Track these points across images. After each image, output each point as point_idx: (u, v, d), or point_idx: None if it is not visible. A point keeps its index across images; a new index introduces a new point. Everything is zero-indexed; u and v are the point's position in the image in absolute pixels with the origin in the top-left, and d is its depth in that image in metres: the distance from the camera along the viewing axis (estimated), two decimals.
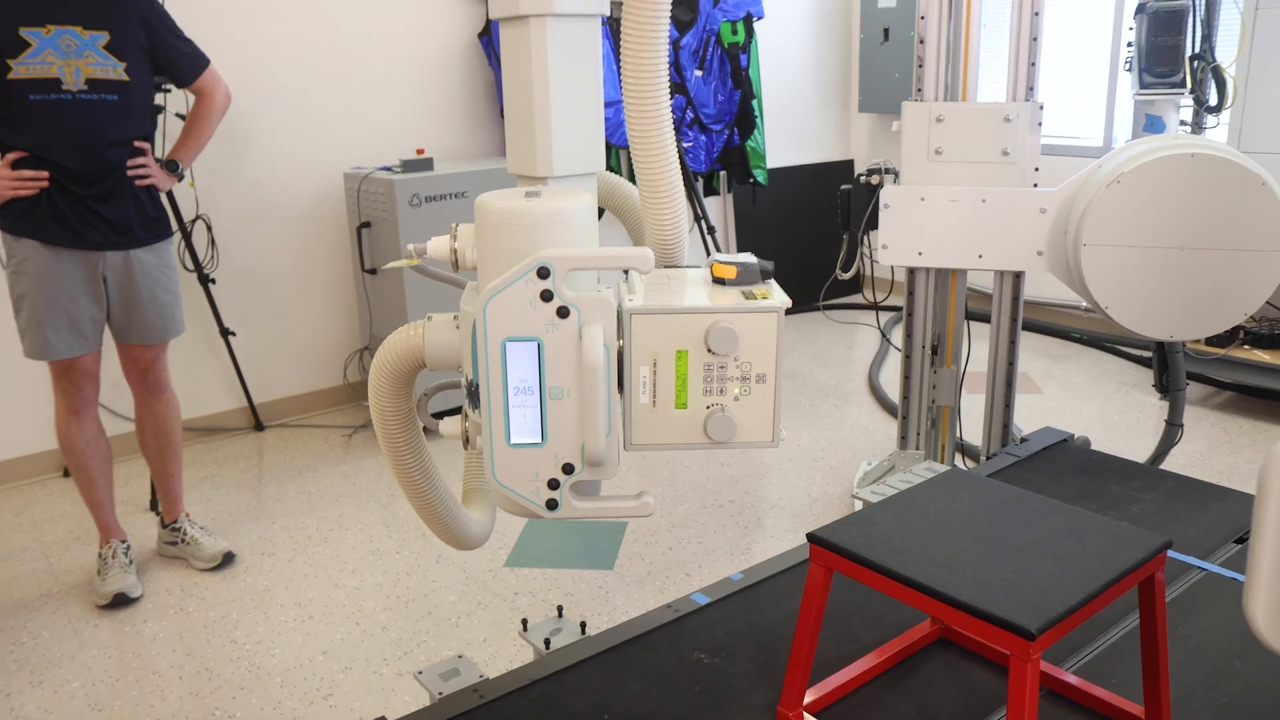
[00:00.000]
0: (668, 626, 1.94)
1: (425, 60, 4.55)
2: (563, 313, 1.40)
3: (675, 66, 5.17)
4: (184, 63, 2.92)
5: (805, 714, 1.63)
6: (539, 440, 1.45)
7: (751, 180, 5.45)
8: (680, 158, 4.98)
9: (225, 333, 4.14)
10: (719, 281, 1.56)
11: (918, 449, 3.28)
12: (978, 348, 4.06)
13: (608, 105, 4.93)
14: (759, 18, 5.32)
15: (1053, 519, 1.55)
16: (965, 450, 3.62)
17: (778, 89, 5.92)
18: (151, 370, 3.04)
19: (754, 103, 5.37)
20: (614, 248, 1.45)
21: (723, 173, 5.57)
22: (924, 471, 2.89)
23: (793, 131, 6.09)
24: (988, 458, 3.06)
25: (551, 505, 1.48)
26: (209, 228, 4.06)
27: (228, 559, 3.19)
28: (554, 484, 1.47)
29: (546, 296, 1.40)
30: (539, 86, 1.83)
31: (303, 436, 4.27)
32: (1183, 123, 3.24)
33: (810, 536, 1.55)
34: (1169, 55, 2.93)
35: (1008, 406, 3.15)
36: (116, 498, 3.28)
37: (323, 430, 4.33)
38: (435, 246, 1.68)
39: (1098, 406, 4.39)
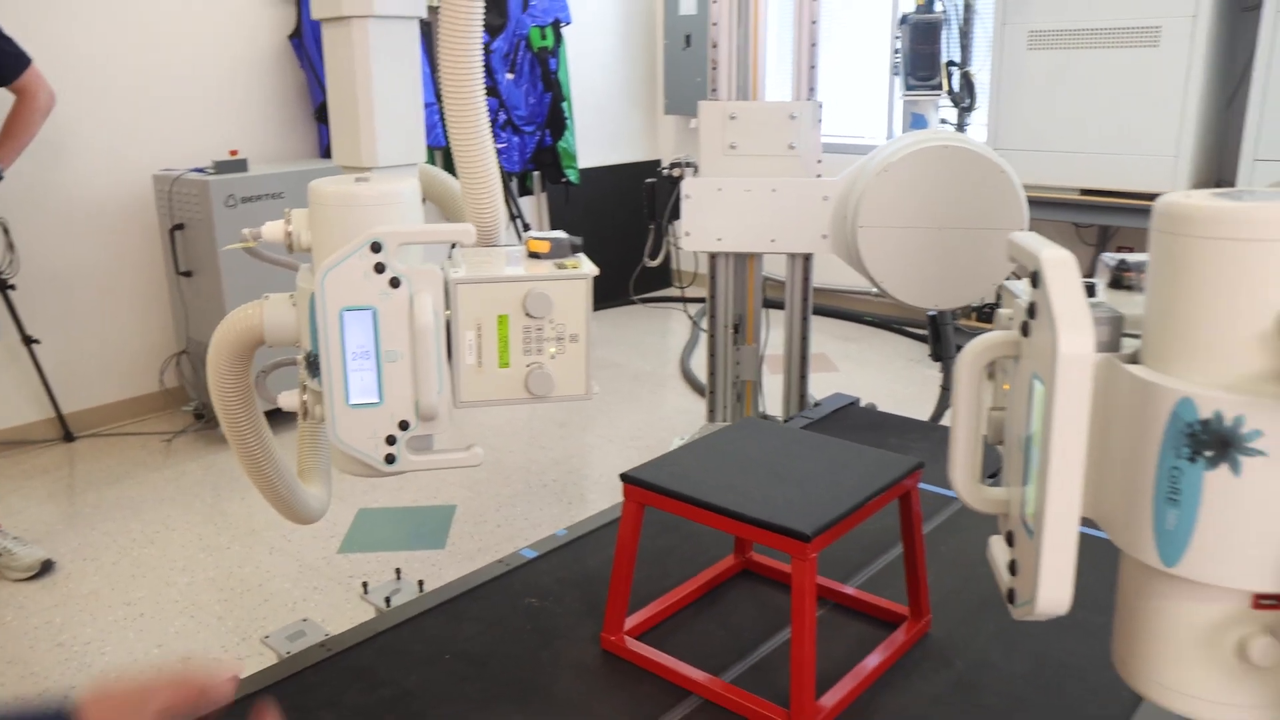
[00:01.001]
0: (499, 579, 2.11)
1: (235, 62, 4.54)
2: (395, 283, 1.56)
3: (487, 70, 5.32)
4: (4, 60, 2.87)
5: (626, 638, 1.84)
6: (377, 400, 1.60)
7: (564, 180, 5.67)
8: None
9: (27, 340, 4.01)
10: (534, 255, 1.75)
11: (725, 421, 3.56)
12: (777, 332, 4.40)
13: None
14: (567, 23, 5.54)
15: (829, 453, 1.82)
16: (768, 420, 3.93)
17: (587, 92, 6.16)
18: None
19: (564, 105, 5.58)
20: (439, 224, 1.61)
21: (536, 173, 5.76)
22: None
23: (603, 133, 6.35)
24: (785, 422, 3.36)
25: (390, 460, 1.64)
26: (6, 231, 3.94)
27: (46, 567, 3.13)
28: (391, 440, 1.62)
29: (379, 269, 1.55)
30: (362, 83, 1.97)
31: (118, 445, 4.19)
32: (943, 120, 3.65)
33: (624, 476, 1.76)
34: (928, 61, 3.31)
35: (803, 378, 3.48)
36: None
37: (140, 438, 4.25)
38: (270, 230, 1.80)
39: (887, 380, 4.83)
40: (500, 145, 5.46)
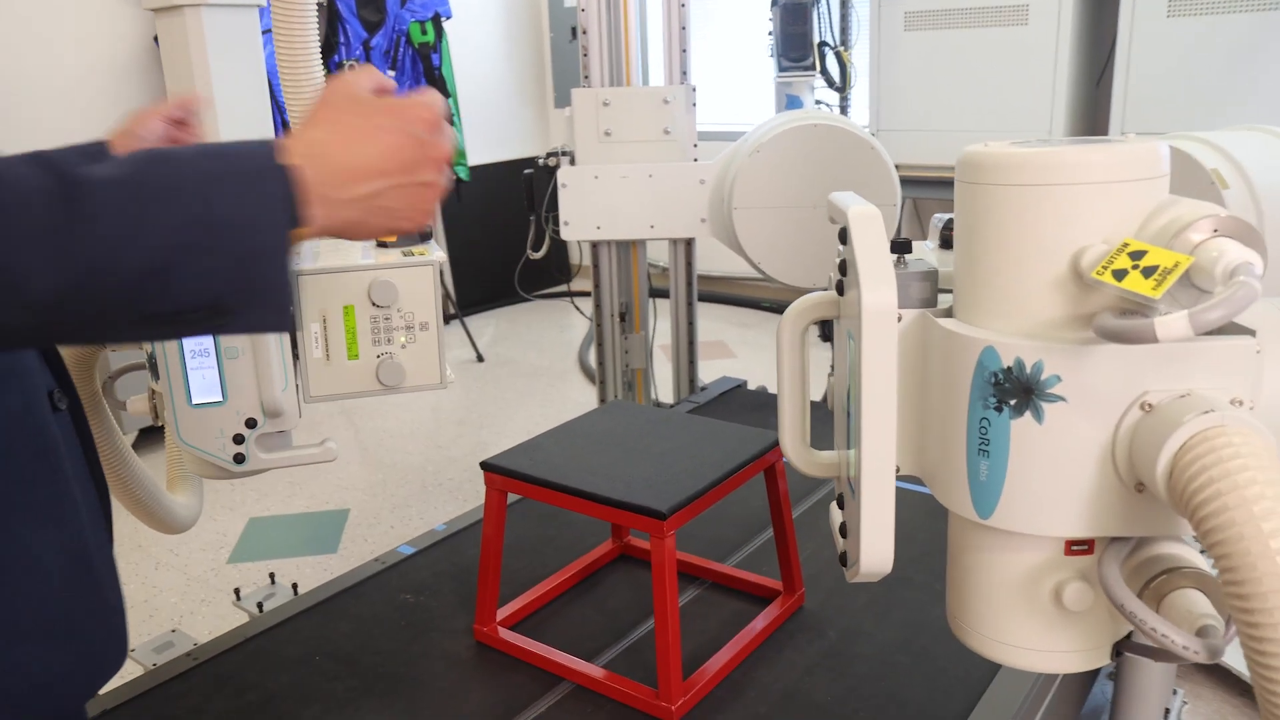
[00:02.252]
0: (376, 576, 2.06)
1: (97, 69, 4.36)
2: None
3: None
4: None
5: (499, 628, 1.80)
6: (220, 398, 1.54)
7: (454, 178, 5.60)
8: None
9: None
10: (382, 245, 1.71)
11: None
12: (668, 322, 4.41)
13: None
14: (447, 17, 5.45)
15: (694, 430, 1.81)
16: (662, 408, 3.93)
17: (474, 88, 6.08)
18: None
19: (450, 101, 5.50)
20: None
21: None
22: None
23: (492, 128, 6.28)
24: (673, 407, 3.36)
25: (238, 459, 1.58)
26: None
27: None
28: (239, 439, 1.56)
29: None
30: (200, 77, 1.90)
31: None
32: (818, 101, 3.68)
33: (484, 464, 1.73)
34: (799, 42, 3.34)
35: (691, 364, 3.48)
36: None
37: None
38: None
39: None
40: None
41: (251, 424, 1.56)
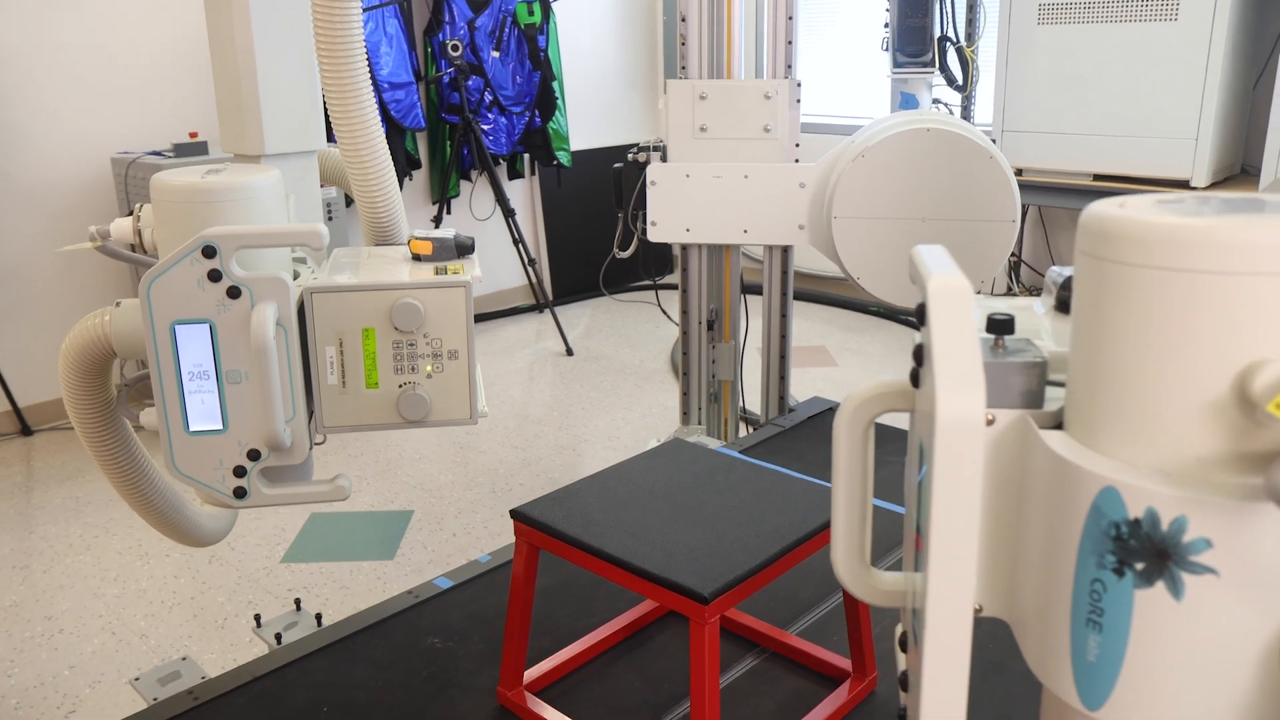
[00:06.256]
0: (405, 613, 1.90)
1: (195, 41, 4.32)
2: (234, 293, 1.33)
3: (471, 48, 5.08)
4: None
5: (526, 693, 1.61)
6: (220, 426, 1.39)
7: (555, 163, 5.43)
8: (478, 140, 4.92)
9: None
10: (417, 258, 1.53)
11: (700, 424, 3.33)
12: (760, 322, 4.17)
13: (399, 88, 4.81)
14: None
15: (757, 484, 1.58)
16: (750, 421, 3.69)
17: (581, 70, 5.90)
18: None
19: (554, 84, 5.34)
20: (284, 224, 1.39)
21: (526, 155, 5.52)
22: None
23: (597, 112, 6.09)
24: (758, 428, 3.12)
25: (239, 493, 1.42)
26: None
27: None
28: (240, 471, 1.40)
29: (215, 276, 1.33)
30: (244, 60, 1.76)
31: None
32: (936, 101, 3.37)
33: (514, 513, 1.53)
34: (918, 36, 3.04)
35: (782, 378, 3.23)
36: None
37: None
38: (118, 228, 1.59)
39: (890, 377, 4.56)
40: (486, 126, 5.22)
41: (255, 455, 1.39)
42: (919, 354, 0.76)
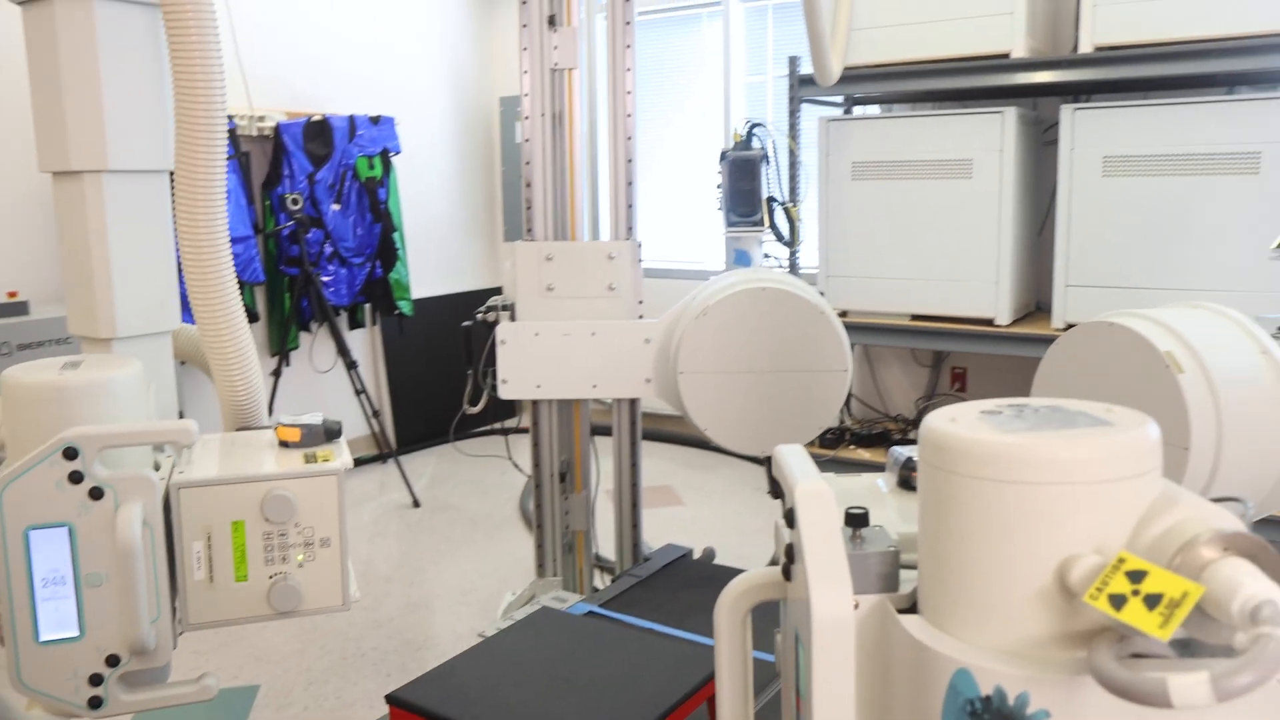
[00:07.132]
0: None
1: (19, 195, 4.20)
2: (96, 494, 1.31)
3: (312, 201, 5.10)
4: None
5: None
6: (76, 633, 1.34)
7: (397, 312, 5.46)
8: (319, 291, 4.90)
9: None
10: (284, 445, 1.54)
11: (556, 574, 3.34)
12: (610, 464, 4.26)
13: (237, 241, 4.77)
14: (396, 153, 5.40)
15: (627, 648, 1.63)
16: (605, 568, 3.72)
17: (422, 220, 6.00)
18: None
19: (395, 235, 5.41)
20: (152, 421, 1.39)
21: (367, 305, 5.53)
22: (553, 602, 2.94)
23: (439, 261, 6.17)
24: (615, 580, 3.17)
25: (95, 703, 1.36)
26: None
27: None
28: (96, 679, 1.35)
29: (76, 478, 1.30)
30: (97, 244, 1.76)
31: None
32: (767, 255, 3.61)
33: (389, 698, 1.52)
34: (747, 198, 3.28)
35: (635, 526, 3.30)
36: None
37: None
38: None
39: (734, 513, 4.70)
40: (327, 278, 5.22)
41: (114, 661, 1.35)
42: (790, 552, 0.85)
